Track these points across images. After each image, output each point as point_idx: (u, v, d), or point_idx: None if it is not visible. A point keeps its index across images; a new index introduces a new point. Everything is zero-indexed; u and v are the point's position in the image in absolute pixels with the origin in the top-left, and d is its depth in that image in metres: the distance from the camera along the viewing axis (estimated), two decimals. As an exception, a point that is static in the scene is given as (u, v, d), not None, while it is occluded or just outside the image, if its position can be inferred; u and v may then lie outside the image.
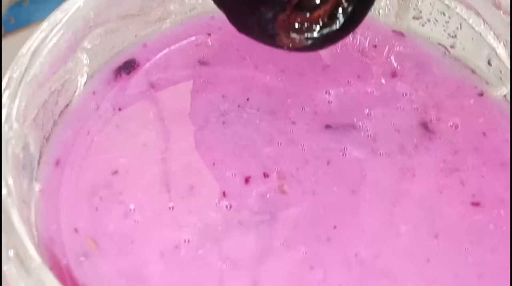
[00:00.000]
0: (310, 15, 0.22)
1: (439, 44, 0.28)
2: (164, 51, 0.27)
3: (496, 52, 0.26)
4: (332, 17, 0.22)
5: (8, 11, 0.36)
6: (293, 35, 0.22)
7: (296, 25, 0.22)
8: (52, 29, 0.24)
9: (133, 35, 0.27)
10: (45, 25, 0.24)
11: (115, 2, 0.26)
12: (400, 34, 0.28)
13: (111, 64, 0.27)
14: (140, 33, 0.27)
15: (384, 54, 0.28)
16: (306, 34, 0.22)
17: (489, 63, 0.27)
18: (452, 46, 0.28)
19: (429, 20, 0.28)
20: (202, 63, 0.27)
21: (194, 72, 0.27)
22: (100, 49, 0.26)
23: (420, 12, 0.28)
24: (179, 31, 0.28)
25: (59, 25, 0.24)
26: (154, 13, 0.27)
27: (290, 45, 0.23)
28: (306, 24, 0.22)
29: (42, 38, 0.24)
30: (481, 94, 0.27)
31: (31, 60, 0.23)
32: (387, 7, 0.28)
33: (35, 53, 0.23)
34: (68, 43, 0.25)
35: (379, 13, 0.28)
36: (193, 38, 0.28)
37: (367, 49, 0.28)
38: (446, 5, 0.27)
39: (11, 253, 0.20)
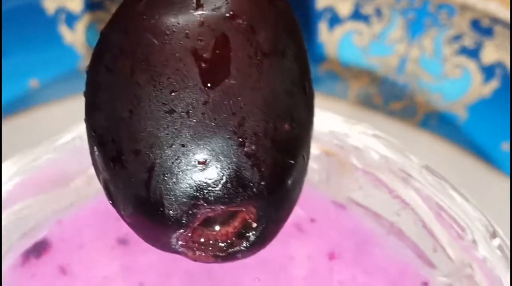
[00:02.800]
0: (216, 233, 0.20)
1: (383, 219, 0.26)
2: (80, 229, 0.26)
3: (441, 243, 0.24)
4: (241, 236, 0.20)
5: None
6: (199, 252, 0.20)
7: (201, 242, 0.20)
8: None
9: (48, 210, 0.26)
10: None
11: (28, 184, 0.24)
12: (340, 206, 0.26)
13: (19, 247, 0.25)
14: (55, 207, 0.26)
15: (323, 230, 0.26)
16: (212, 252, 0.20)
17: (435, 250, 0.24)
18: (396, 223, 0.25)
19: (372, 194, 0.26)
20: (121, 242, 0.25)
21: (110, 254, 0.25)
22: (9, 230, 0.25)
23: (361, 184, 0.26)
24: (98, 204, 0.26)
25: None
26: (68, 193, 0.26)
27: (197, 260, 0.21)
28: (211, 242, 0.20)
29: None
30: (426, 284, 0.24)
31: None
32: (328, 176, 0.26)
33: None
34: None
35: (318, 183, 0.26)
36: (114, 212, 0.26)
37: (304, 223, 0.26)
38: (386, 183, 0.25)
39: None
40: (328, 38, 0.38)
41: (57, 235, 0.25)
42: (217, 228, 0.20)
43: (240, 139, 0.19)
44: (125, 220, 0.21)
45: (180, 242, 0.20)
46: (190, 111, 0.19)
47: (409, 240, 0.25)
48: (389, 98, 0.38)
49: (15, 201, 0.25)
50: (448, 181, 0.24)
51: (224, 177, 0.19)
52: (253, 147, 0.19)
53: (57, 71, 0.38)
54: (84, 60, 0.38)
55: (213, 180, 0.19)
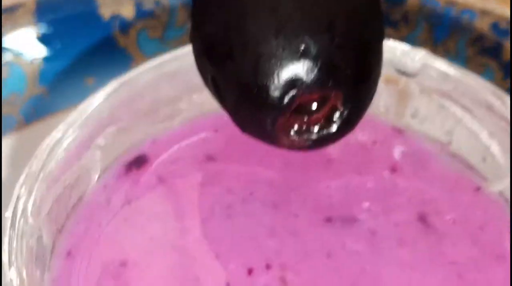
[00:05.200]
0: (308, 118, 0.24)
1: (437, 141, 0.30)
2: (173, 147, 0.30)
3: (490, 150, 0.28)
4: (329, 120, 0.24)
5: (28, 102, 0.39)
6: (293, 137, 0.24)
7: (295, 128, 0.24)
8: (67, 129, 0.27)
9: (144, 132, 0.30)
10: (61, 125, 0.26)
11: (127, 102, 0.28)
12: (399, 131, 0.30)
13: (122, 160, 0.29)
14: (150, 130, 0.30)
15: (384, 150, 0.30)
16: (304, 136, 0.24)
17: (484, 160, 0.28)
18: (449, 143, 0.29)
19: (426, 118, 0.30)
20: (209, 158, 0.29)
21: (201, 167, 0.29)
22: (112, 146, 0.29)
23: (418, 110, 0.30)
24: (187, 128, 0.30)
25: (75, 126, 0.27)
26: (163, 112, 0.30)
27: (290, 146, 0.25)
28: (304, 127, 0.24)
29: (59, 138, 0.26)
30: (478, 189, 0.28)
31: (47, 158, 0.26)
32: (387, 106, 0.30)
33: (51, 152, 0.26)
34: (82, 142, 0.27)
35: (379, 111, 0.30)
36: (201, 134, 0.30)
37: (367, 145, 0.30)
38: (442, 104, 0.29)
39: None
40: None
41: (154, 152, 0.29)
42: (309, 114, 0.24)
43: (332, 35, 0.23)
44: (230, 112, 0.25)
45: (277, 127, 0.24)
46: (291, 11, 0.23)
47: (461, 155, 0.29)
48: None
49: (114, 122, 0.28)
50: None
51: (319, 64, 0.23)
52: (343, 41, 0.23)
53: (111, 72, 0.42)
54: (135, 62, 0.42)
55: (310, 66, 0.23)
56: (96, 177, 0.28)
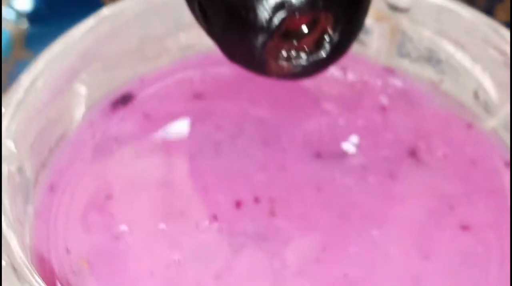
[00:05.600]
0: (297, 43, 0.24)
1: (428, 79, 0.29)
2: (161, 86, 0.29)
3: (483, 86, 0.27)
4: (319, 45, 0.24)
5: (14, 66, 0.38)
6: (282, 62, 0.24)
7: (284, 53, 0.24)
8: (51, 59, 0.26)
9: (131, 70, 0.29)
10: (44, 54, 0.26)
11: (112, 38, 0.28)
12: (390, 70, 0.30)
13: (108, 97, 0.28)
14: (137, 68, 0.29)
15: (375, 89, 0.29)
16: (294, 62, 0.24)
17: (476, 96, 0.28)
18: (440, 81, 0.29)
19: (418, 57, 0.29)
20: (197, 96, 0.29)
21: (189, 105, 0.29)
22: (98, 82, 0.28)
23: (409, 49, 0.29)
24: (175, 67, 0.30)
25: (58, 56, 0.26)
26: (151, 50, 0.29)
27: (279, 72, 0.24)
28: (294, 52, 0.24)
29: (41, 67, 0.25)
30: (470, 126, 0.28)
31: (30, 87, 0.25)
32: (378, 45, 0.30)
33: (34, 81, 0.25)
34: (65, 74, 0.27)
35: (371, 51, 0.30)
36: (189, 73, 0.29)
37: (358, 85, 0.29)
38: (434, 41, 0.28)
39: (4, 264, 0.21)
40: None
41: (141, 90, 0.29)
42: (299, 38, 0.24)
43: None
44: (217, 39, 0.25)
45: (266, 51, 0.24)
46: None
47: (453, 93, 0.29)
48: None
49: (99, 58, 0.28)
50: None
51: (309, -15, 0.23)
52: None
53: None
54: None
55: (299, -13, 0.23)
56: (81, 113, 0.28)
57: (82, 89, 0.27)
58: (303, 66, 0.24)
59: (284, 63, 0.24)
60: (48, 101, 0.26)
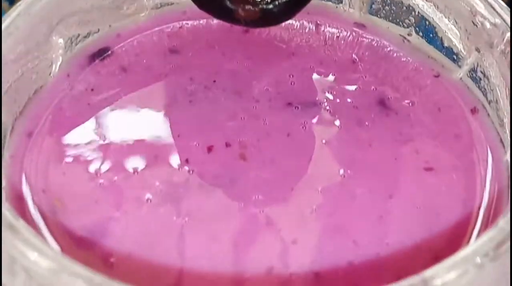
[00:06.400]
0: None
1: (398, 34, 0.30)
2: (137, 41, 0.30)
3: (450, 38, 0.28)
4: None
5: None
6: (248, 7, 0.24)
7: (251, -1, 0.24)
8: (26, 10, 0.26)
9: (108, 25, 0.30)
10: (19, 5, 0.26)
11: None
12: (361, 25, 0.30)
13: (85, 51, 0.29)
14: (114, 24, 0.30)
15: (346, 44, 0.30)
16: (260, 6, 0.24)
17: (443, 46, 0.29)
18: (409, 35, 0.30)
19: (388, 12, 0.30)
20: (172, 51, 0.30)
21: (164, 59, 0.29)
22: (75, 36, 0.29)
23: (380, 4, 0.30)
24: (151, 23, 0.30)
25: (33, 7, 0.27)
26: (128, 7, 0.30)
27: (247, 18, 0.25)
28: (259, -4, 0.24)
29: (15, 16, 0.26)
30: (437, 76, 0.29)
31: (4, 35, 0.25)
32: (350, 1, 0.30)
33: (8, 27, 0.25)
34: (42, 25, 0.27)
35: (343, 8, 0.30)
36: (165, 29, 0.30)
37: (330, 40, 0.30)
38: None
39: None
40: None
41: (118, 45, 0.30)
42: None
43: None
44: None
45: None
46: None
47: (422, 46, 0.29)
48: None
49: (76, 12, 0.28)
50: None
51: None
52: None
53: None
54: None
55: None
56: (58, 65, 0.28)
57: (59, 41, 0.28)
58: (270, 11, 0.25)
59: (250, 8, 0.25)
60: (24, 52, 0.27)
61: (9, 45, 0.26)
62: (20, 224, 0.21)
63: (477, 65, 0.28)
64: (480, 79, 0.28)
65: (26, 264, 0.20)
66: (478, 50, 0.27)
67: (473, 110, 0.27)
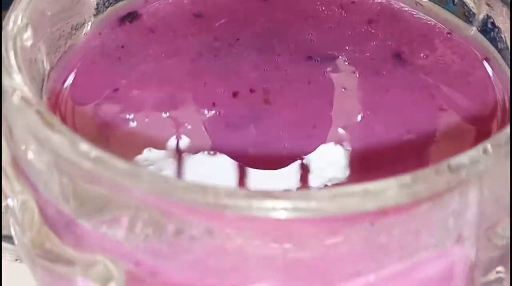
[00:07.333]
0: None
1: (411, -2, 0.31)
2: (163, 5, 0.31)
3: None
4: None
5: None
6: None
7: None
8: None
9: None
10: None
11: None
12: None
13: (116, 14, 0.31)
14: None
15: (362, 7, 0.31)
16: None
17: (455, 4, 0.30)
18: (422, -1, 0.31)
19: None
20: (197, 15, 0.31)
21: (189, 22, 0.31)
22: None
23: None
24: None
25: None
26: (156, -27, 0.31)
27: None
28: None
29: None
30: (450, 33, 0.30)
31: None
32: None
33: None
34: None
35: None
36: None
37: (346, 4, 0.32)
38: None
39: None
40: None
41: (145, 9, 0.31)
42: None
43: None
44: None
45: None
46: None
47: (435, 8, 0.31)
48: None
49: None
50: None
51: None
52: None
53: None
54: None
55: None
56: (90, 24, 0.30)
57: (92, 1, 0.30)
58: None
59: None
60: (59, 10, 0.29)
61: (46, 3, 0.28)
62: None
63: (487, 18, 0.29)
64: (491, 30, 0.29)
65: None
66: (488, 4, 0.29)
67: (487, 59, 0.29)
